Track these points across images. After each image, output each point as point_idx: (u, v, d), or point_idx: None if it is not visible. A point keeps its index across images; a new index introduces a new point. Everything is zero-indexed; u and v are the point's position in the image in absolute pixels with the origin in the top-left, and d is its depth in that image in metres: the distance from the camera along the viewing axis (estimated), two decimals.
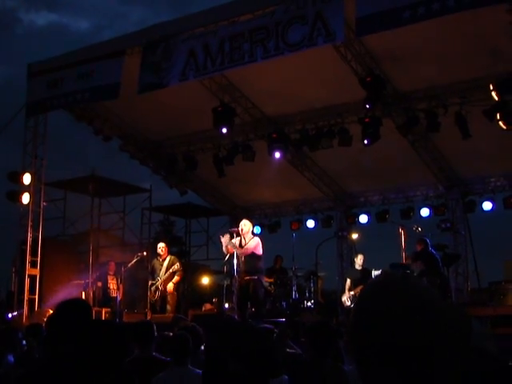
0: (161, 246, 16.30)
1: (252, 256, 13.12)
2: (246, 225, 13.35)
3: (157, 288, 15.82)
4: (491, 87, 13.05)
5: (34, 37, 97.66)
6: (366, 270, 16.60)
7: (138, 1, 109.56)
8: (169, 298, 15.87)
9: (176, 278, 15.95)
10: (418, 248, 15.62)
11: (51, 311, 10.98)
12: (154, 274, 16.16)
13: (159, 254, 16.22)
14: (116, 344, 3.76)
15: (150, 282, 16.25)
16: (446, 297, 15.49)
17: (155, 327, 7.15)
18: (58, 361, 3.91)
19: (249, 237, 13.35)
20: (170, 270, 15.84)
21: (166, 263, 15.99)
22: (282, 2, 12.74)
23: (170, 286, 15.80)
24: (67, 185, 22.16)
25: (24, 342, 8.72)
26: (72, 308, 4.32)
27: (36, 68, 16.84)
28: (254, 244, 13.44)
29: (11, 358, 7.50)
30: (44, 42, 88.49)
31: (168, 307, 15.81)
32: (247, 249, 13.30)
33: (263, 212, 24.22)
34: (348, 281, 16.79)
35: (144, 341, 6.76)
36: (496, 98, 13.08)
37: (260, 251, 13.67)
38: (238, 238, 13.37)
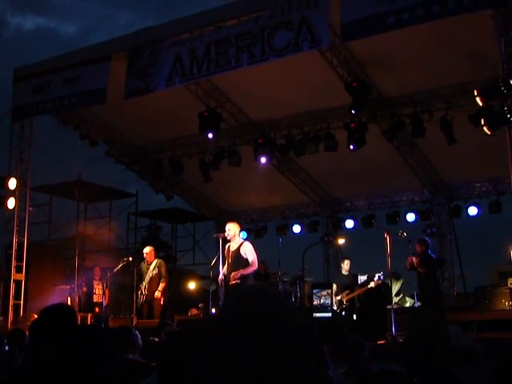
0: (145, 250, 16.18)
1: (238, 260, 12.98)
2: (230, 229, 13.14)
3: (141, 292, 15.74)
4: (475, 92, 13.08)
5: (21, 40, 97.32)
6: (352, 275, 16.62)
7: (125, 5, 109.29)
8: (155, 303, 15.78)
9: (162, 285, 15.78)
10: (419, 249, 15.37)
11: (36, 316, 10.94)
12: (141, 278, 16.09)
13: (146, 259, 16.17)
14: (96, 349, 3.76)
15: (137, 286, 16.18)
16: (440, 303, 15.48)
17: (136, 332, 7.15)
18: (41, 366, 3.90)
19: (237, 241, 13.19)
20: (154, 272, 15.72)
21: (151, 267, 15.91)
22: (267, 8, 12.76)
23: (158, 294, 15.69)
24: (53, 190, 22.13)
25: (7, 347, 8.68)
26: (55, 313, 4.31)
27: (22, 72, 16.78)
28: (251, 252, 13.20)
29: None
30: (32, 45, 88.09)
31: (154, 312, 15.71)
32: (253, 262, 13.12)
33: (249, 217, 24.22)
34: (334, 286, 16.77)
35: (122, 344, 6.73)
36: (480, 104, 13.10)
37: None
38: (228, 244, 13.21)
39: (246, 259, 12.92)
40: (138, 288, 15.94)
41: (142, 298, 15.76)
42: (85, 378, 3.67)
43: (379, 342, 12.18)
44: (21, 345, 7.74)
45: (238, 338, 1.72)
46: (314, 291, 15.63)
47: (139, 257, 16.98)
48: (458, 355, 4.56)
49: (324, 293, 15.45)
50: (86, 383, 3.68)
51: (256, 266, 13.10)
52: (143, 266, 16.09)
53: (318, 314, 15.27)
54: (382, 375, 3.14)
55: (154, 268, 15.87)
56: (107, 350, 3.93)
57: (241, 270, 12.74)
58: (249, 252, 12.97)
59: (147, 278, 15.77)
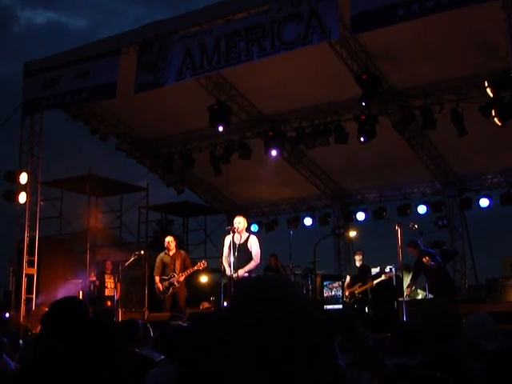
0: (168, 239, 15.82)
1: (245, 253, 13.00)
2: (240, 222, 13.16)
3: (171, 284, 15.47)
4: (486, 84, 13.05)
5: (31, 35, 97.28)
6: (365, 267, 16.63)
7: None
8: (180, 295, 15.47)
9: (187, 272, 15.50)
10: (414, 253, 15.42)
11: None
12: (164, 269, 15.66)
13: (167, 248, 15.73)
14: (105, 343, 3.77)
15: (157, 278, 15.85)
16: (453, 294, 15.52)
17: (148, 325, 7.18)
18: (51, 358, 3.91)
19: (244, 235, 13.21)
20: (190, 271, 15.47)
21: (179, 259, 15.60)
22: (276, 0, 12.74)
23: (182, 278, 15.29)
24: (64, 184, 22.13)
25: (21, 341, 8.72)
26: (65, 306, 4.32)
27: (32, 67, 16.81)
28: (256, 246, 13.21)
29: (7, 358, 7.49)
30: (42, 40, 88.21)
31: (178, 305, 15.40)
32: (256, 256, 13.14)
33: (260, 210, 24.24)
34: (348, 278, 16.78)
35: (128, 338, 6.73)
36: (491, 95, 13.07)
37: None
38: (232, 236, 13.22)
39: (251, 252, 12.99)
40: (164, 279, 15.56)
41: (170, 291, 15.41)
42: (95, 372, 3.68)
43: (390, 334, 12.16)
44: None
45: (252, 327, 1.72)
46: (324, 283, 15.63)
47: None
48: (471, 348, 4.55)
49: (335, 285, 15.46)
50: (97, 376, 3.69)
51: (259, 260, 13.16)
52: (165, 256, 15.72)
53: (328, 306, 15.28)
54: (402, 372, 3.13)
55: (182, 262, 15.53)
56: (117, 344, 3.94)
57: (245, 268, 12.80)
58: (254, 246, 13.03)
59: (177, 271, 15.43)
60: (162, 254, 15.87)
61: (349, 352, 5.89)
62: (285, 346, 1.71)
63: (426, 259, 14.90)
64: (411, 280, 15.63)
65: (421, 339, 4.49)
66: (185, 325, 7.96)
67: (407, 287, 15.64)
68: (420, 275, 15.58)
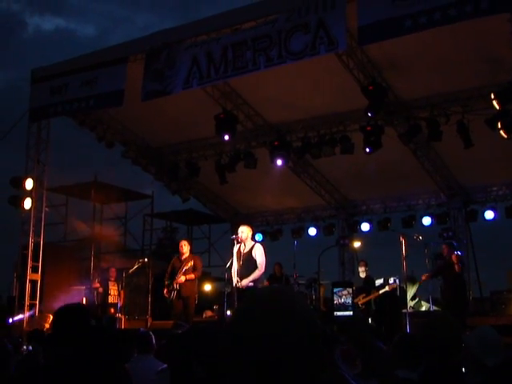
0: (181, 243, 15.71)
1: (250, 262, 12.98)
2: (243, 232, 13.14)
3: (173, 288, 15.12)
4: (492, 96, 13.05)
5: (39, 41, 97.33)
6: (369, 279, 16.60)
7: (143, 6, 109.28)
8: (189, 301, 15.19)
9: (190, 275, 15.11)
10: (446, 251, 15.38)
11: (51, 316, 10.97)
12: (174, 273, 15.26)
13: (180, 252, 15.48)
14: (111, 349, 3.78)
15: (166, 282, 15.42)
16: (466, 306, 15.51)
17: (150, 333, 7.18)
18: (55, 363, 3.92)
19: (249, 243, 13.18)
20: (186, 267, 15.02)
21: (188, 263, 15.15)
22: (284, 10, 12.76)
23: (182, 279, 14.96)
24: (69, 190, 22.19)
25: (30, 347, 8.72)
26: (70, 313, 4.33)
27: (39, 73, 16.84)
28: (261, 254, 13.18)
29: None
30: (51, 46, 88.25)
31: (188, 310, 15.17)
32: (261, 265, 13.11)
33: (265, 219, 24.21)
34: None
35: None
36: (497, 107, 13.08)
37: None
38: (237, 246, 13.23)
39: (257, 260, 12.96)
40: (170, 284, 15.33)
41: (173, 294, 15.20)
42: (100, 377, 3.69)
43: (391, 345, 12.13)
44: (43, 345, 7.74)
45: (251, 340, 1.73)
46: (334, 290, 15.64)
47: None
48: (472, 361, 4.54)
49: (345, 292, 15.46)
50: (102, 382, 3.69)
51: (263, 269, 13.13)
52: (176, 260, 15.50)
53: (338, 313, 15.28)
54: None
55: (189, 263, 15.30)
56: (120, 350, 3.95)
57: (249, 278, 12.78)
58: (259, 254, 12.99)
59: (179, 273, 15.18)
60: (174, 258, 15.82)
61: (357, 361, 5.88)
62: (287, 356, 1.72)
63: (455, 255, 14.79)
64: (430, 273, 15.59)
65: (422, 351, 4.48)
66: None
67: (425, 275, 15.62)
68: (438, 276, 15.53)
